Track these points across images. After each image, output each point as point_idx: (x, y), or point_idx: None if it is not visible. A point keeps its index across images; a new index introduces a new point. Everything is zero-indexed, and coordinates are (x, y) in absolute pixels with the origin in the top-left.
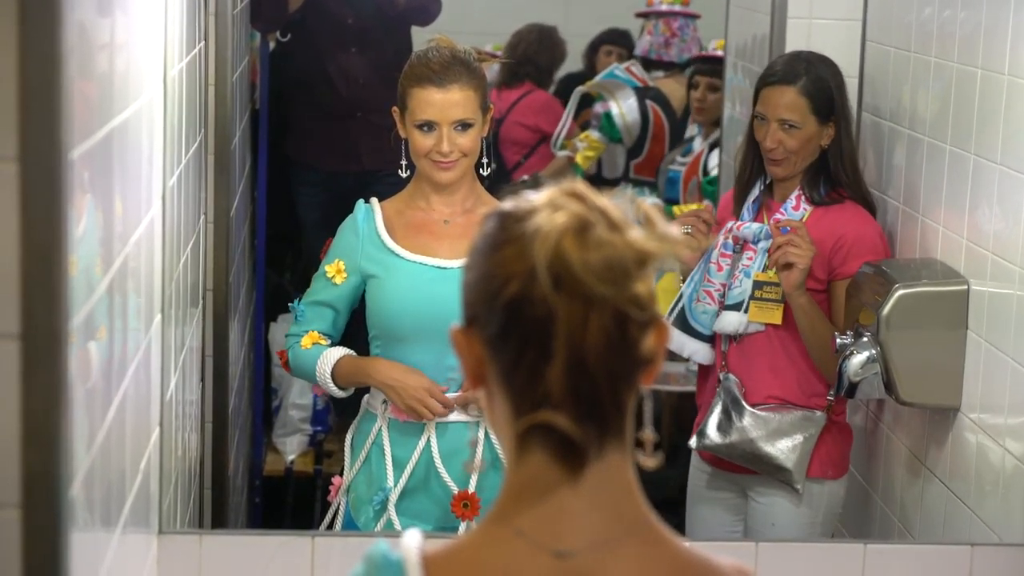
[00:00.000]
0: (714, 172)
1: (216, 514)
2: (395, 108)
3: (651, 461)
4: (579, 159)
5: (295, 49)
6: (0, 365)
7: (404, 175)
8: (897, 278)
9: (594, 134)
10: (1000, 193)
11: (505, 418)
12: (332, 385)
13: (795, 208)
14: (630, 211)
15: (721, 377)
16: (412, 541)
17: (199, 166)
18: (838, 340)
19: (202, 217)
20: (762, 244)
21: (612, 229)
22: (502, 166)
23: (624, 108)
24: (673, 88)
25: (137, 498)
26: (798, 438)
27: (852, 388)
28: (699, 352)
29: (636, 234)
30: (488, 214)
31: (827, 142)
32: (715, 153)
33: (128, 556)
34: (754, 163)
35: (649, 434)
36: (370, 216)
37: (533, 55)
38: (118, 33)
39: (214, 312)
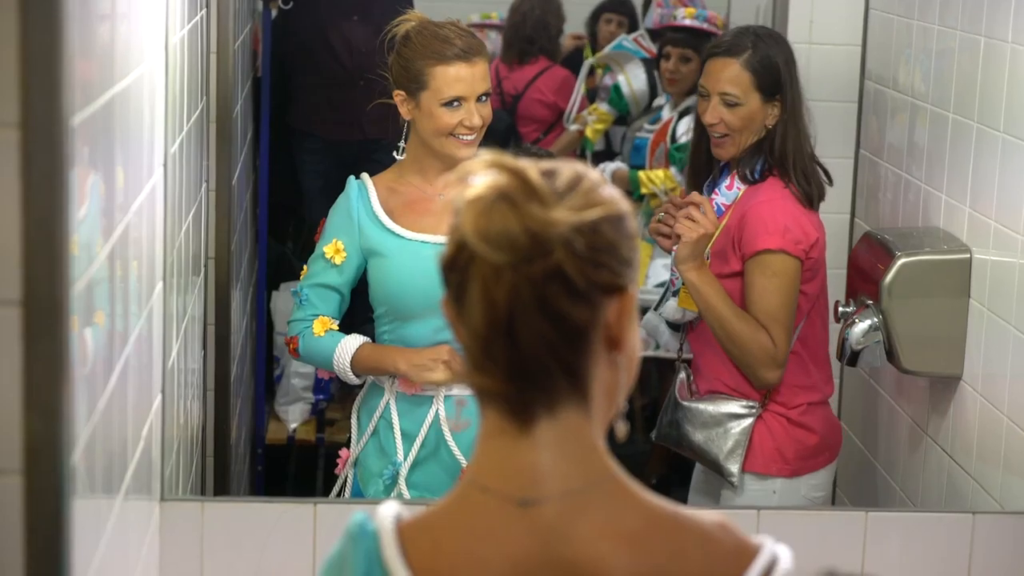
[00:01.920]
0: (683, 139)
1: (218, 482)
2: (399, 92)
3: (620, 431)
4: (589, 132)
5: (297, 17)
6: (1, 332)
7: (399, 157)
8: (899, 247)
9: (603, 106)
10: (1003, 161)
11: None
12: (351, 375)
13: (729, 187)
14: (562, 179)
15: (676, 366)
16: (388, 511)
17: (201, 134)
18: (840, 309)
19: (204, 185)
20: None
21: (527, 198)
22: (520, 143)
23: (632, 79)
24: None
25: (139, 465)
26: (729, 428)
27: (854, 356)
28: (672, 343)
29: (548, 203)
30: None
31: (772, 122)
32: (685, 120)
33: (130, 523)
34: (705, 143)
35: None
36: (364, 195)
37: (543, 28)
38: (119, 1)
39: (216, 280)
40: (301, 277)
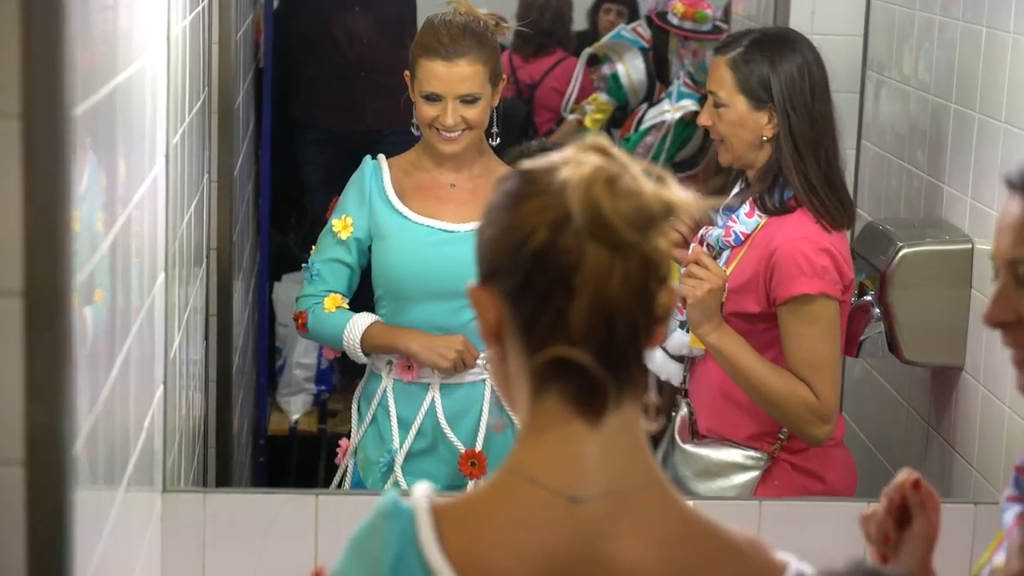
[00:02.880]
0: (645, 126)
1: (220, 473)
2: (407, 72)
3: (653, 425)
4: (588, 122)
5: (299, 7)
6: (3, 322)
7: (416, 133)
8: (901, 237)
9: (602, 96)
10: (1004, 151)
11: (518, 369)
12: (360, 353)
13: (748, 215)
14: (644, 169)
15: (677, 401)
16: (422, 491)
17: (203, 125)
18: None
19: (206, 176)
20: (725, 253)
21: (637, 181)
22: (535, 132)
23: (631, 69)
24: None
25: (141, 456)
26: (732, 479)
27: (856, 347)
28: (676, 375)
29: (658, 186)
30: (505, 175)
31: (769, 133)
32: (653, 109)
33: (132, 514)
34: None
35: (653, 398)
36: (378, 174)
37: (560, 20)
38: None
39: (218, 271)
40: (312, 252)
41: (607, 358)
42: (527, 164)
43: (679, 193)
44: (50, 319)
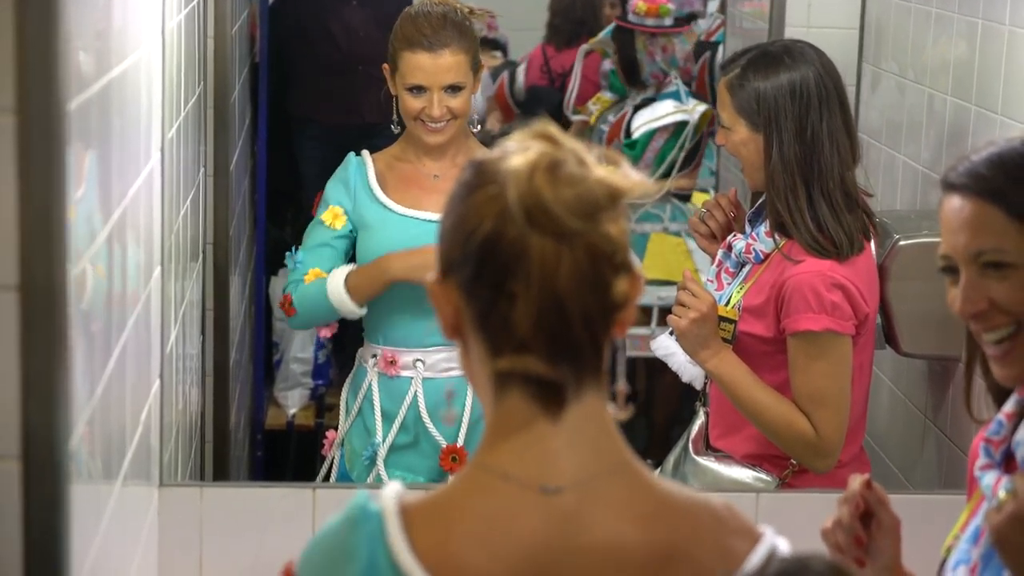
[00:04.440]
0: (636, 135)
1: (217, 467)
2: (386, 66)
3: (622, 413)
4: (593, 121)
5: (296, 2)
6: None
7: (396, 131)
8: (898, 229)
9: (605, 94)
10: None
11: (480, 363)
12: (349, 302)
13: (768, 234)
14: (597, 154)
15: (696, 408)
16: (391, 492)
17: (199, 119)
18: None
19: (202, 170)
20: (745, 268)
21: (582, 166)
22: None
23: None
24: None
25: (138, 450)
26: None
27: None
28: (698, 379)
29: (606, 171)
30: (465, 165)
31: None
32: (640, 114)
33: (129, 508)
34: None
35: (622, 386)
36: (362, 169)
37: (591, 10)
38: None
39: (215, 266)
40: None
41: (562, 350)
42: (480, 154)
43: (628, 178)
44: (46, 313)
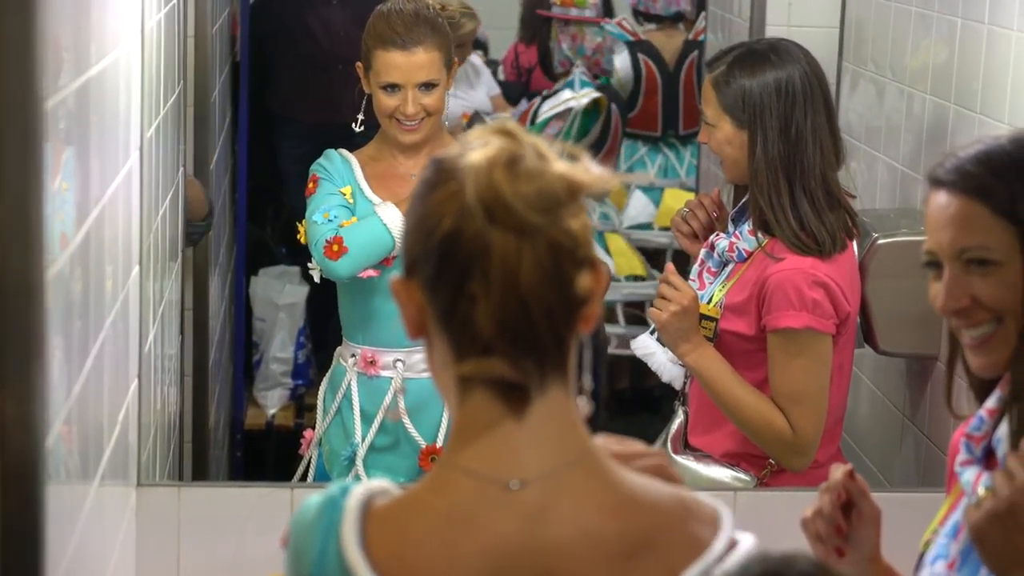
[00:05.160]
0: (544, 116)
1: (197, 467)
2: (360, 64)
3: (585, 409)
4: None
5: (276, 1)
6: None
7: (358, 129)
8: (877, 228)
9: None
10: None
11: (444, 363)
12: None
13: (751, 232)
14: (558, 149)
15: (675, 407)
16: (361, 489)
17: (178, 118)
18: None
19: (181, 169)
20: (728, 267)
21: (542, 161)
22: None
23: (617, 63)
24: (665, 41)
25: (115, 450)
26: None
27: None
28: (678, 379)
29: (566, 166)
30: (427, 163)
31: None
32: (546, 103)
33: (106, 508)
34: None
35: (583, 383)
36: (348, 165)
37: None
38: None
39: (194, 265)
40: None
41: (525, 349)
42: (441, 152)
43: (589, 172)
44: (22, 312)
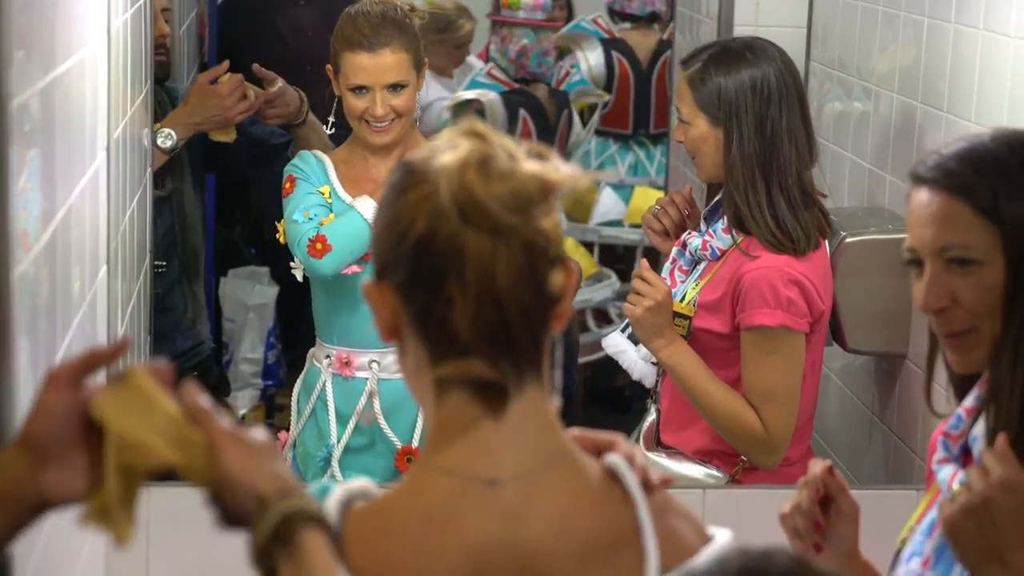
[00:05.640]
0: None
1: None
2: (329, 67)
3: (557, 402)
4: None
5: (245, 2)
6: None
7: (330, 131)
8: (845, 226)
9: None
10: (947, 140)
11: (418, 366)
12: None
13: (725, 231)
14: (525, 149)
15: (647, 405)
16: (340, 489)
17: (145, 118)
18: None
19: (148, 170)
20: (701, 265)
21: (513, 161)
22: None
23: (591, 60)
24: (639, 40)
25: None
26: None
27: None
28: (649, 377)
29: (537, 165)
30: (394, 167)
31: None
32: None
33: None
34: None
35: (555, 379)
36: (323, 166)
37: None
38: None
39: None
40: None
41: (503, 349)
42: (409, 154)
43: (559, 171)
44: None
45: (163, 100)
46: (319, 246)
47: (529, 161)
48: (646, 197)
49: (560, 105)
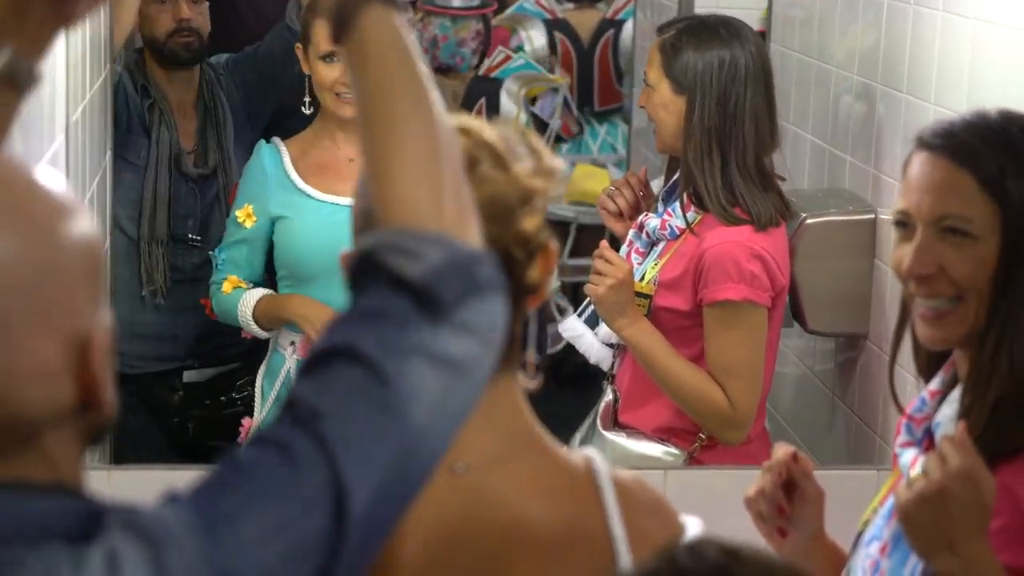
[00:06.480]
0: None
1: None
2: (299, 45)
3: (532, 383)
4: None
5: None
6: None
7: (308, 112)
8: (805, 207)
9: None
10: (906, 121)
11: None
12: (255, 327)
13: (686, 208)
14: (519, 142)
15: (604, 386)
16: None
17: (104, 102)
18: None
19: (108, 153)
20: (659, 245)
21: (497, 165)
22: None
23: (535, 42)
24: (582, 20)
25: None
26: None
27: None
28: (606, 360)
29: (522, 169)
30: None
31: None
32: None
33: None
34: None
35: (530, 357)
36: (276, 157)
37: None
38: None
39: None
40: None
41: None
42: None
43: (543, 175)
44: None
45: (211, 78)
46: (209, 310)
47: (516, 163)
48: (586, 175)
49: (477, 93)
